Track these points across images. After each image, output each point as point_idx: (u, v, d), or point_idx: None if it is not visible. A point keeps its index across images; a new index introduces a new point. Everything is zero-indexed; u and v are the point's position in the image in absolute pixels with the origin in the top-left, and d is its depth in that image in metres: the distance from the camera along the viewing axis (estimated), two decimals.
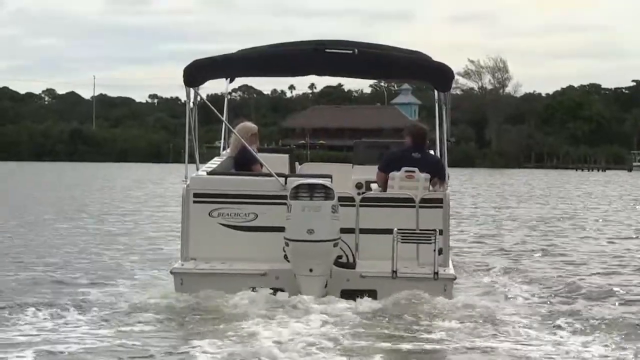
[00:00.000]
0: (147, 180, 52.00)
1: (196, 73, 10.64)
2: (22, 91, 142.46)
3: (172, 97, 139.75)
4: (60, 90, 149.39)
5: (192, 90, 10.67)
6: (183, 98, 11.12)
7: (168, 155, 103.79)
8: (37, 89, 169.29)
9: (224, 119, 11.62)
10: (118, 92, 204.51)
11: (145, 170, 73.17)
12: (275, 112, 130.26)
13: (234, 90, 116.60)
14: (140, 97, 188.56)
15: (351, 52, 10.52)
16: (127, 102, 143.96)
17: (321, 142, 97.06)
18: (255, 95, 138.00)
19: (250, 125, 11.46)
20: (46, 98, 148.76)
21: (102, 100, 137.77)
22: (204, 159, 11.52)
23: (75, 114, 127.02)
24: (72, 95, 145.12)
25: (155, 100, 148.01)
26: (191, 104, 10.66)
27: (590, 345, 8.10)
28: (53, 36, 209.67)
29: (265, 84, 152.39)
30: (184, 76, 10.54)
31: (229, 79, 12.31)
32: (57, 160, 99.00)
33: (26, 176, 55.35)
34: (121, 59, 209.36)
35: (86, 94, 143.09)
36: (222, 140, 12.44)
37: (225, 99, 12.75)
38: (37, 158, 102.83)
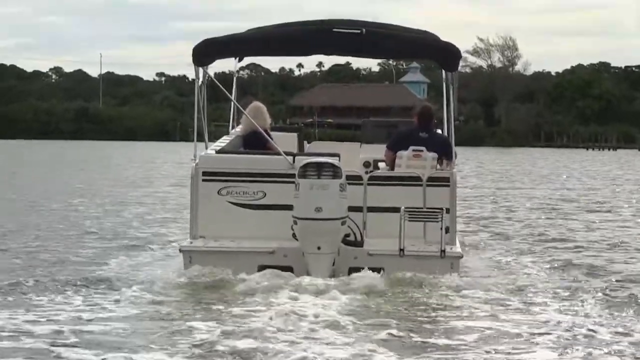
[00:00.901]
0: (153, 160, 51.96)
1: (206, 52, 10.70)
2: (29, 69, 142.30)
3: (179, 75, 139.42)
4: (68, 68, 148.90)
5: (201, 70, 10.74)
6: (190, 76, 11.27)
7: (175, 134, 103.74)
8: (44, 67, 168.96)
9: (232, 97, 11.68)
10: (125, 70, 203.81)
11: (152, 149, 73.11)
12: (283, 90, 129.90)
13: (242, 68, 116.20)
14: (148, 75, 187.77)
15: (359, 31, 10.55)
16: (134, 80, 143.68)
17: (329, 120, 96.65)
18: (263, 74, 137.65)
19: (260, 105, 11.49)
20: (53, 76, 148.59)
21: (109, 78, 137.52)
22: (213, 138, 11.59)
23: (82, 92, 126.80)
24: (79, 73, 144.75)
25: (163, 79, 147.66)
26: (200, 83, 10.73)
27: (591, 318, 8.18)
28: (61, 14, 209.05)
29: (273, 62, 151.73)
30: (193, 55, 10.60)
31: (237, 58, 12.35)
32: (61, 139, 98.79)
33: (25, 155, 54.88)
34: (129, 37, 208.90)
35: (93, 72, 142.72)
36: (231, 119, 12.51)
37: (234, 78, 12.82)
38: (43, 136, 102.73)
